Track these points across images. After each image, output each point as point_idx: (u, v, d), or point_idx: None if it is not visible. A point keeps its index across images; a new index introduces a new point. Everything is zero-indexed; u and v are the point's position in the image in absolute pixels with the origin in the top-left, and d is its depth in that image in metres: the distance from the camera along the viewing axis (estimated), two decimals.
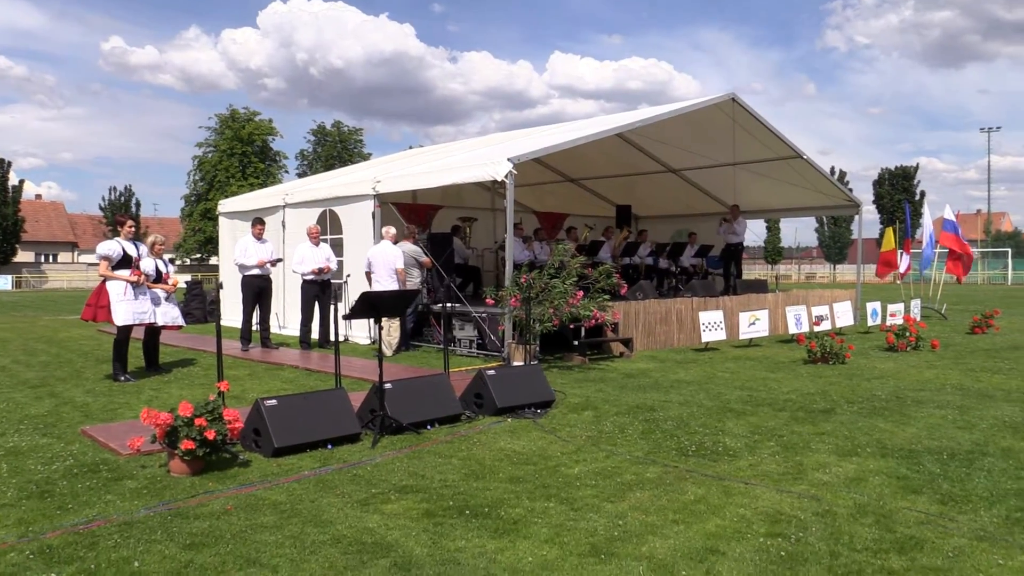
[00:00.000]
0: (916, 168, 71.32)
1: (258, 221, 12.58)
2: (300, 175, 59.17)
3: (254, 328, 12.75)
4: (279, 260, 12.70)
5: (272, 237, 15.38)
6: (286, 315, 15.22)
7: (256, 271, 12.20)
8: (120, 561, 4.07)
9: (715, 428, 7.03)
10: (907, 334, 12.96)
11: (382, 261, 12.16)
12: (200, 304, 18.80)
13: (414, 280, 12.50)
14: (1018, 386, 9.31)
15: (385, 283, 12.06)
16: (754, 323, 13.87)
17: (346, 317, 6.98)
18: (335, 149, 60.92)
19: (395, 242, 12.44)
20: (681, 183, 19.84)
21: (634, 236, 19.66)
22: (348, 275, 13.18)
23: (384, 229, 12.57)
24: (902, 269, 20.69)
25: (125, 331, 9.66)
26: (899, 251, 20.98)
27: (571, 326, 11.28)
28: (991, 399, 8.46)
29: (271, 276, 12.59)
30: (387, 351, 12.39)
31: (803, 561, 4.06)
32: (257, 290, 12.28)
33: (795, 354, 12.36)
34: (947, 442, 6.49)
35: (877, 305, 16.76)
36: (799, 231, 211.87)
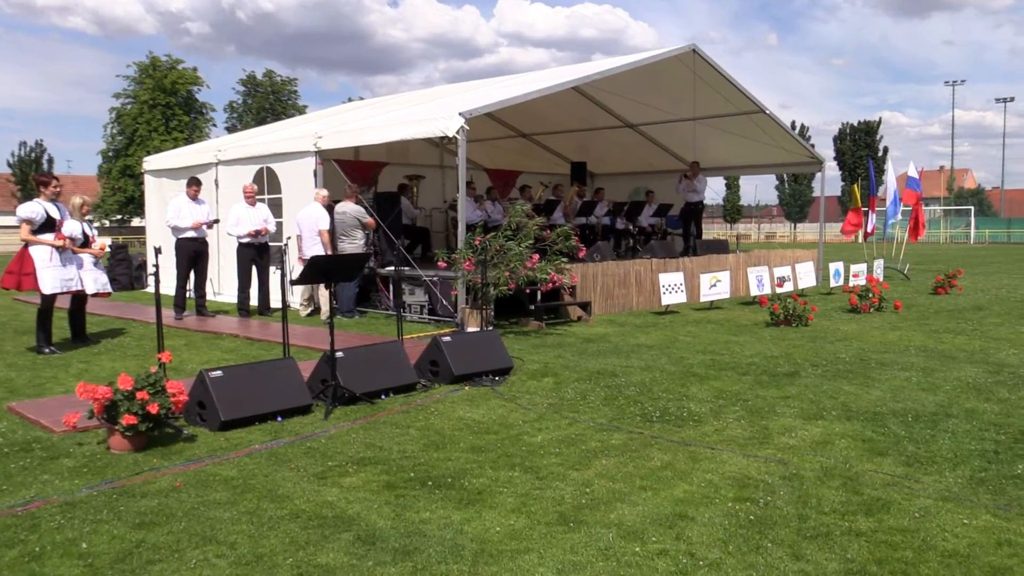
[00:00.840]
0: (879, 123, 72.80)
1: (194, 181, 12.39)
2: (229, 129, 57.91)
3: (188, 295, 12.62)
4: (216, 221, 12.54)
5: (204, 197, 15.13)
6: (221, 281, 15.06)
7: (191, 233, 12.05)
8: (66, 543, 4.09)
9: (679, 393, 7.24)
10: (870, 295, 13.39)
11: (307, 224, 12.22)
12: (126, 270, 18.45)
13: (357, 242, 12.47)
14: (981, 347, 9.74)
15: (310, 247, 12.13)
16: (715, 285, 14.17)
17: (294, 282, 6.98)
18: (267, 101, 59.73)
19: (326, 204, 12.43)
20: (639, 139, 20.00)
21: (590, 194, 19.80)
22: (288, 237, 13.03)
23: (316, 191, 12.57)
24: (869, 227, 21.17)
25: (50, 300, 9.48)
26: (865, 211, 21.51)
27: (527, 290, 11.40)
28: (954, 360, 8.85)
29: (207, 239, 12.44)
30: (317, 314, 12.47)
31: (772, 524, 4.27)
32: (193, 254, 12.14)
33: (757, 317, 12.69)
34: (911, 404, 6.80)
35: (840, 266, 17.22)
36: (759, 188, 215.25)
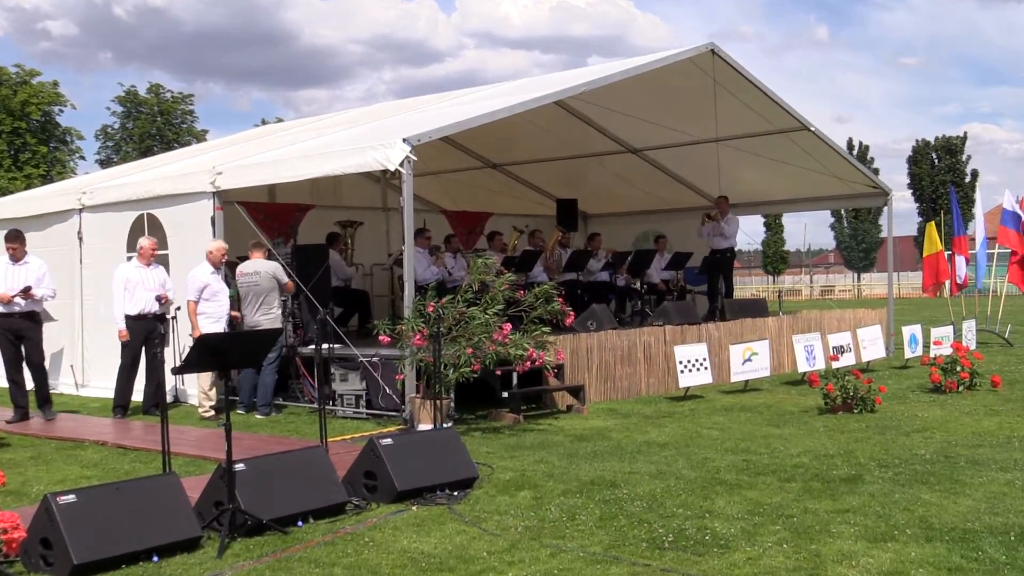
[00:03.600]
0: (964, 138, 74.27)
1: (13, 235, 12.24)
2: (103, 163, 57.97)
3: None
4: (27, 291, 11.92)
5: (63, 253, 15.05)
6: (87, 368, 14.92)
7: (2, 308, 11.92)
8: None
9: (700, 509, 7.18)
10: (958, 368, 13.43)
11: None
12: None
13: (274, 313, 12.43)
14: None
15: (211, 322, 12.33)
16: (750, 359, 14.21)
17: (177, 371, 6.92)
18: (153, 125, 60.01)
19: (219, 263, 12.41)
20: (646, 168, 20.20)
21: (582, 242, 19.89)
22: (178, 308, 13.03)
23: (209, 243, 12.51)
24: (960, 278, 21.24)
25: None
26: (948, 254, 21.65)
27: (498, 372, 11.36)
28: None
29: (39, 314, 12.26)
30: (204, 411, 12.36)
31: None
32: (13, 336, 12.05)
33: (807, 400, 12.70)
34: (1015, 517, 6.76)
35: (917, 329, 17.30)
36: (809, 229, 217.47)
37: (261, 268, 12.47)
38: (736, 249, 19.51)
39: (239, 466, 6.91)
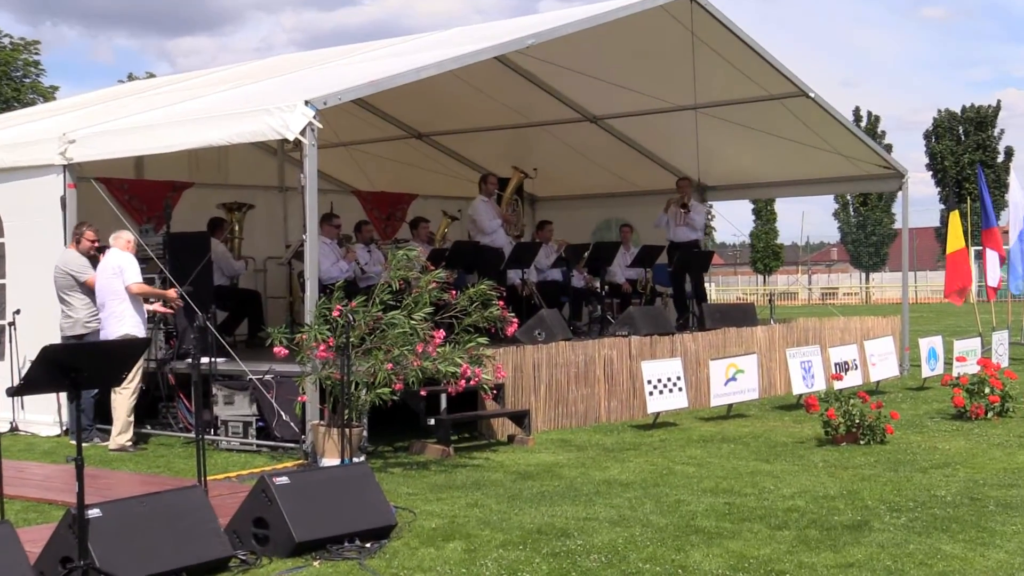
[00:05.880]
0: (997, 108, 75.28)
1: None
2: None
3: None
4: None
5: None
6: None
7: None
8: None
9: (671, 563, 7.19)
10: (987, 390, 13.57)
11: (105, 282, 12.10)
12: None
13: (75, 316, 12.36)
14: None
15: (119, 319, 12.11)
16: (734, 378, 14.26)
17: (15, 391, 6.80)
18: None
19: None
20: (608, 141, 20.22)
21: (529, 232, 19.89)
22: (17, 311, 12.86)
23: (116, 235, 12.30)
24: (992, 282, 21.42)
25: None
26: (978, 250, 21.87)
27: (423, 393, 11.32)
28: None
29: None
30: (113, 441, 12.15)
31: None
32: None
33: (803, 430, 12.80)
34: None
35: (937, 342, 17.45)
36: (808, 219, 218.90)
37: (59, 261, 12.47)
38: (701, 241, 19.55)
39: (93, 512, 6.81)
